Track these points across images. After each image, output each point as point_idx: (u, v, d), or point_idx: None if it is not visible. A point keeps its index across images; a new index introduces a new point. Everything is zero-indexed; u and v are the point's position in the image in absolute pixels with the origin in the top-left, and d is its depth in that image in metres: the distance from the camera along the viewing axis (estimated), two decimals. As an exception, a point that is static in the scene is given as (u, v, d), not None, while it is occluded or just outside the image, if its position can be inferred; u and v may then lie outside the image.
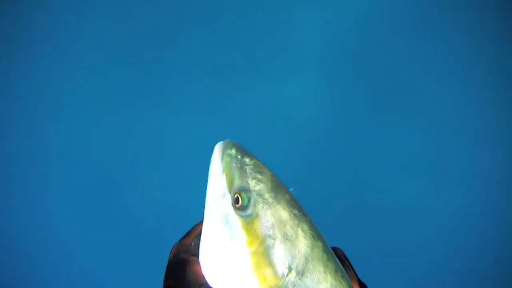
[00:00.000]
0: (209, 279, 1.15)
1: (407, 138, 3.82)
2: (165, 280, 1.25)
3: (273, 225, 1.09)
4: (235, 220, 1.12)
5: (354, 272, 1.28)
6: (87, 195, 4.68)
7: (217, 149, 1.18)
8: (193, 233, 1.25)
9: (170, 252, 1.28)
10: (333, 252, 1.17)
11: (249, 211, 1.11)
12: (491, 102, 4.01)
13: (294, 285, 1.07)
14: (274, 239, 1.09)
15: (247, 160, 1.13)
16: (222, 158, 1.15)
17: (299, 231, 1.10)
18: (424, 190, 3.80)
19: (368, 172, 3.72)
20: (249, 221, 1.10)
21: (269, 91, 3.95)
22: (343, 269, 1.16)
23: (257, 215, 1.10)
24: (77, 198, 4.63)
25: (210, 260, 1.15)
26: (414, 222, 3.79)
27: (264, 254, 1.08)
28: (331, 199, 3.60)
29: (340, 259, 1.23)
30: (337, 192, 3.60)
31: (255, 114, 3.80)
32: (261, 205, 1.10)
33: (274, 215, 1.10)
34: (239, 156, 1.14)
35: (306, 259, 1.07)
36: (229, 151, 1.16)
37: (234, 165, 1.13)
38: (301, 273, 1.07)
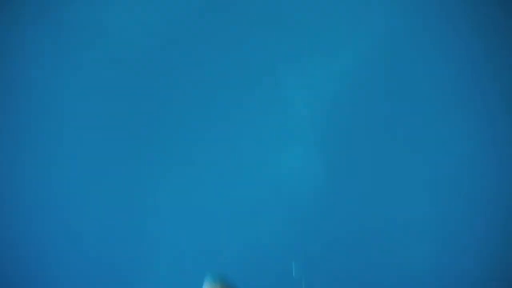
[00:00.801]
0: None
1: (411, 195, 3.82)
2: None
3: None
4: None
5: None
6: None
7: None
8: None
9: None
10: None
11: None
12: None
13: None
14: None
15: None
16: None
17: None
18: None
19: (373, 236, 3.68)
20: None
21: (268, 163, 3.97)
22: None
23: None
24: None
25: None
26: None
27: None
28: (337, 270, 3.49)
29: None
30: (343, 267, 3.52)
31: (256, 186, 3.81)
32: None
33: None
34: None
35: None
36: None
37: None
38: None
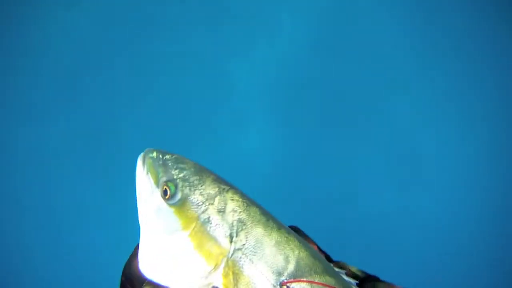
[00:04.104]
0: (154, 276, 1.25)
1: (367, 152, 3.96)
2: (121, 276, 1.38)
3: (203, 202, 1.22)
4: (167, 209, 1.24)
5: (313, 241, 1.42)
6: None
7: (139, 159, 1.32)
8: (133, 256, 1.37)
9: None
10: (272, 215, 1.27)
11: (178, 197, 1.23)
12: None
13: (241, 251, 1.18)
14: (207, 214, 1.21)
15: (168, 156, 1.28)
16: (145, 162, 1.29)
17: (230, 201, 1.23)
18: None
19: (341, 189, 3.80)
20: (180, 205, 1.23)
21: (218, 147, 4.09)
22: (287, 227, 1.26)
23: (186, 198, 1.23)
24: None
25: (152, 257, 1.25)
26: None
27: (202, 231, 1.20)
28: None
29: (296, 231, 1.33)
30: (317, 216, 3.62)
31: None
32: (187, 188, 1.23)
33: (202, 193, 1.23)
34: (160, 155, 1.29)
35: (244, 224, 1.20)
36: (150, 155, 1.30)
37: (157, 163, 1.27)
38: (243, 239, 1.19)
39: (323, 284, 1.18)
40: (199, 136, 4.13)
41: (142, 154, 1.35)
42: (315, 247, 1.41)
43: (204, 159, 4.30)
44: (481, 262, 3.77)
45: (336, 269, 1.27)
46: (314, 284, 1.19)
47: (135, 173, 1.35)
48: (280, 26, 4.20)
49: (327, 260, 1.35)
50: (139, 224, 1.35)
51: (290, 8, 4.23)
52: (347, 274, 1.29)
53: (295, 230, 1.38)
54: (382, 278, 1.43)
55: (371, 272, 1.44)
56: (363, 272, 1.41)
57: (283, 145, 4.07)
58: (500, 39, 4.09)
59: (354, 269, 1.41)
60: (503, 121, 4.02)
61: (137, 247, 1.34)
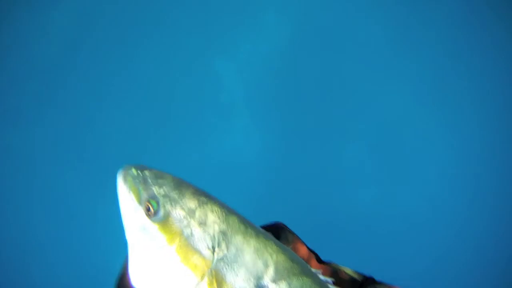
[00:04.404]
0: None
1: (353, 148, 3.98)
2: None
3: (185, 216, 1.28)
4: (151, 226, 1.30)
5: (301, 240, 1.50)
6: None
7: (119, 177, 1.36)
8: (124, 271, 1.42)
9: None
10: (250, 222, 1.33)
11: (160, 213, 1.29)
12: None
13: (223, 261, 1.26)
14: (190, 228, 1.28)
15: (146, 172, 1.33)
16: (126, 181, 1.34)
17: (210, 213, 1.29)
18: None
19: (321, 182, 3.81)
20: (164, 221, 1.29)
21: (204, 141, 4.12)
22: (265, 232, 1.31)
23: (168, 213, 1.29)
24: None
25: (142, 271, 1.32)
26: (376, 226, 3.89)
27: (187, 244, 1.27)
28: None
29: (281, 230, 1.45)
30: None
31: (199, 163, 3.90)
32: (169, 203, 1.29)
33: (183, 207, 1.29)
34: (139, 172, 1.33)
35: (225, 234, 1.27)
36: (129, 172, 1.34)
37: (137, 181, 1.33)
38: (225, 249, 1.26)
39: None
40: (185, 135, 4.14)
41: (121, 171, 1.38)
42: (304, 247, 1.51)
43: (190, 158, 4.29)
44: (472, 262, 3.82)
45: (331, 268, 1.39)
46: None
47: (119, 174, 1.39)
48: (266, 25, 4.22)
49: (316, 260, 1.48)
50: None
51: (276, 7, 4.25)
52: (341, 276, 1.41)
53: (281, 228, 1.48)
54: (376, 278, 1.47)
55: (364, 272, 1.51)
56: (358, 273, 1.49)
57: (269, 144, 4.09)
58: (489, 41, 4.12)
59: (348, 270, 1.50)
60: (494, 120, 4.02)
61: (126, 261, 1.40)
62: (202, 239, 1.31)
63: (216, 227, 1.32)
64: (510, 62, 4.11)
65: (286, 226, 1.53)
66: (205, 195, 1.36)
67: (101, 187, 3.67)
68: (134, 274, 1.36)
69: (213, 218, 1.33)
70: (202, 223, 1.32)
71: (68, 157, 3.97)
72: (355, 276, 1.49)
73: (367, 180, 4.09)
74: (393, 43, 4.17)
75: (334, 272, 1.46)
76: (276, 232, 1.46)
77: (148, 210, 1.32)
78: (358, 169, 4.14)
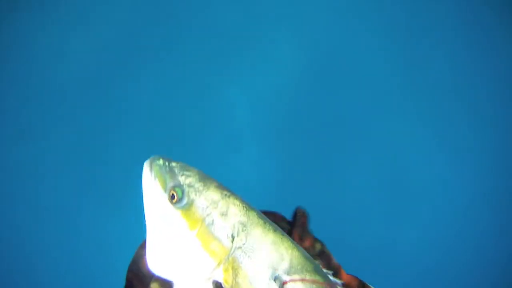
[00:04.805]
0: (163, 273, 1.37)
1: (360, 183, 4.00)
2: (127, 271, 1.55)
3: (208, 206, 1.36)
4: (175, 212, 1.36)
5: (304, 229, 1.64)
6: None
7: (146, 165, 1.44)
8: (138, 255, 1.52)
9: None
10: (268, 219, 1.40)
11: (184, 201, 1.37)
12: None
13: (241, 250, 1.31)
14: (212, 217, 1.35)
15: (173, 164, 1.43)
16: (152, 169, 1.42)
17: (232, 206, 1.37)
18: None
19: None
20: (187, 209, 1.36)
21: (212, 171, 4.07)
22: (281, 229, 1.38)
23: (192, 202, 1.36)
24: None
25: (160, 255, 1.37)
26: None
27: (207, 231, 1.34)
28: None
29: (280, 220, 1.59)
30: None
31: None
32: (193, 193, 1.37)
33: (206, 198, 1.36)
34: (166, 163, 1.42)
35: (244, 225, 1.34)
36: (156, 161, 1.43)
37: (164, 170, 1.41)
38: (243, 239, 1.32)
39: (316, 282, 1.34)
40: (193, 163, 4.17)
41: (148, 160, 1.48)
42: (319, 244, 1.69)
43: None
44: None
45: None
46: (307, 282, 1.34)
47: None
48: (278, 55, 4.26)
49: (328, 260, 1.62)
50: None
51: (288, 38, 4.30)
52: (351, 284, 1.52)
53: (280, 218, 1.65)
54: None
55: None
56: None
57: (278, 176, 4.13)
58: (489, 65, 4.17)
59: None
60: (499, 148, 4.01)
61: (141, 246, 1.50)
62: (222, 228, 1.37)
63: (237, 219, 1.39)
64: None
65: (284, 218, 1.70)
66: (228, 190, 1.46)
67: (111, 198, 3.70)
68: (152, 258, 1.42)
69: (235, 210, 1.40)
70: (224, 213, 1.39)
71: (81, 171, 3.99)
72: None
73: (372, 214, 4.08)
74: (405, 79, 4.23)
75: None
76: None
77: (172, 197, 1.41)
78: (364, 202, 4.14)
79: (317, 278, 1.34)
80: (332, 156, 4.19)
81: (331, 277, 1.37)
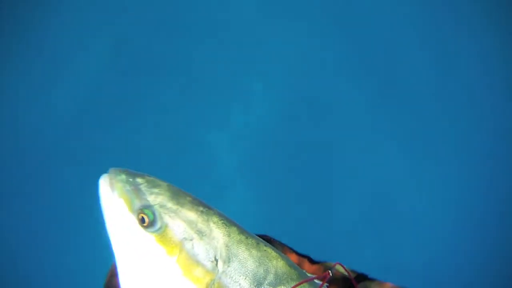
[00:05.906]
0: None
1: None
2: None
3: (185, 228, 1.23)
4: (148, 237, 1.22)
5: (289, 247, 1.51)
6: None
7: (103, 181, 1.27)
8: (112, 274, 1.36)
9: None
10: (248, 231, 1.30)
11: (158, 225, 1.23)
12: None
13: (226, 273, 1.21)
14: (191, 240, 1.22)
15: (139, 180, 1.26)
16: (113, 186, 1.25)
17: (211, 224, 1.24)
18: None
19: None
20: (162, 233, 1.22)
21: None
22: (263, 240, 1.30)
23: (166, 225, 1.23)
24: None
25: (135, 282, 1.24)
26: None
27: (188, 256, 1.21)
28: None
29: (268, 241, 1.37)
30: None
31: None
32: (167, 215, 1.23)
33: (182, 219, 1.23)
34: (130, 179, 1.26)
35: (227, 245, 1.23)
36: (118, 177, 1.26)
37: (129, 188, 1.25)
38: (228, 260, 1.22)
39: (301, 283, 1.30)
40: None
41: (106, 176, 1.31)
42: (293, 254, 1.54)
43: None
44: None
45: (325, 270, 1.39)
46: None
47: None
48: (254, 96, 4.35)
49: (308, 261, 1.52)
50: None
51: (262, 78, 4.40)
52: (335, 274, 1.42)
53: (268, 240, 1.43)
54: (369, 275, 1.49)
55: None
56: (351, 271, 1.48)
57: (264, 214, 4.11)
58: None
59: (340, 268, 1.47)
60: (495, 175, 4.04)
61: (113, 268, 1.35)
62: (204, 251, 1.27)
63: (219, 239, 1.29)
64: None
65: (273, 238, 1.53)
66: (203, 204, 1.34)
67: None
68: (126, 285, 1.29)
69: (215, 229, 1.29)
70: (204, 234, 1.28)
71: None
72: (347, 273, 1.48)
73: (361, 247, 4.06)
74: (383, 110, 4.28)
75: (327, 270, 1.42)
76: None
77: (142, 221, 1.26)
78: (352, 236, 4.12)
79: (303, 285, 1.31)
80: (318, 192, 4.20)
81: (316, 281, 1.33)
